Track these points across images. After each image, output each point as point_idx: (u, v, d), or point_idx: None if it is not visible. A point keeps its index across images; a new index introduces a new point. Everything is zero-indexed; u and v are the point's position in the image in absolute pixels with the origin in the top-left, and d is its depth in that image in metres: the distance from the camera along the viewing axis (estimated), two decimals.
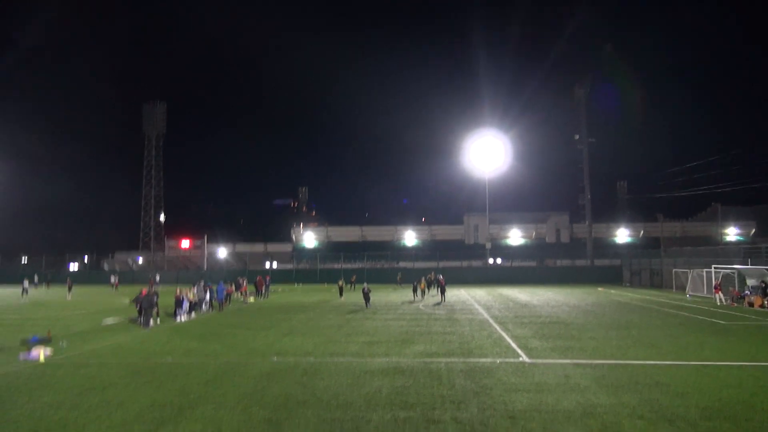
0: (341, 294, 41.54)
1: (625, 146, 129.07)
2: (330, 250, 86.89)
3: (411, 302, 36.07)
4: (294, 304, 35.99)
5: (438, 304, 34.65)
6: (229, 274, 61.79)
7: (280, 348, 17.64)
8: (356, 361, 15.34)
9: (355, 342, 18.75)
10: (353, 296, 41.67)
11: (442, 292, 37.39)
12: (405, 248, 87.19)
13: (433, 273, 49.86)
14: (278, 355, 16.24)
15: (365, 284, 35.29)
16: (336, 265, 72.83)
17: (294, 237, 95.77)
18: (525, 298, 38.88)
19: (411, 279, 49.17)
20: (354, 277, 54.90)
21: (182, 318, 26.40)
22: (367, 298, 32.73)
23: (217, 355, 16.40)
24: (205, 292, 30.60)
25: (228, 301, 33.37)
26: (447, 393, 11.81)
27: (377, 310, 30.61)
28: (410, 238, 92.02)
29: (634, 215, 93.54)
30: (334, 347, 17.68)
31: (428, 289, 43.82)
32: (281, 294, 47.03)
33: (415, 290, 40.29)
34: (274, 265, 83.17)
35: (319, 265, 74.05)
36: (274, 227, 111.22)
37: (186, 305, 27.13)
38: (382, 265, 77.00)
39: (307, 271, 74.12)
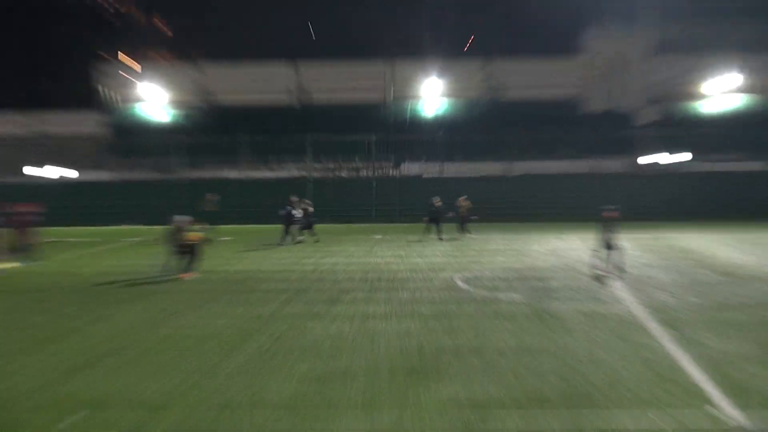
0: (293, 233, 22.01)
1: None
2: (213, 127, 40.28)
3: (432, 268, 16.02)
4: (114, 277, 14.63)
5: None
6: None
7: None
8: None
9: (287, 379, 7.10)
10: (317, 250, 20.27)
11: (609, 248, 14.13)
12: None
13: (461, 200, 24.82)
14: None
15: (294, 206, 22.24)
16: (230, 171, 36.84)
17: (104, 90, 43.43)
18: (730, 257, 17.68)
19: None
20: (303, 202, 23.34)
21: None
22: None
23: None
24: None
25: None
26: None
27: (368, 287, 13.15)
28: (433, 91, 41.69)
29: None
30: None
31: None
32: (63, 250, 21.27)
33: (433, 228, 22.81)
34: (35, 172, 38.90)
35: (179, 169, 36.57)
36: (36, 60, 47.56)
37: None
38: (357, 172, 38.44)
39: (157, 187, 35.10)
